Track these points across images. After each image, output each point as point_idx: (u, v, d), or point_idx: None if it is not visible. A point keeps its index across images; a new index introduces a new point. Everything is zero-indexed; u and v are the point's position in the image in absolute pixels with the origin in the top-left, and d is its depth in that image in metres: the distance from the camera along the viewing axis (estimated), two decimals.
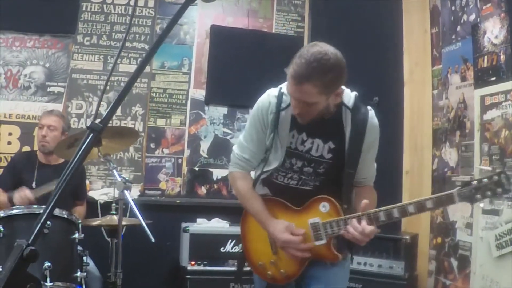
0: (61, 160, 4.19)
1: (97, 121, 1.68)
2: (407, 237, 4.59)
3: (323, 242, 2.57)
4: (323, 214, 2.58)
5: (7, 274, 1.67)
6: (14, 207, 3.50)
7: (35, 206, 3.44)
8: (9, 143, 4.94)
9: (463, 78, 4.53)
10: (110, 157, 3.59)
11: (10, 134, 4.94)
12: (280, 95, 2.57)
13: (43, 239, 3.15)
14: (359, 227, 2.41)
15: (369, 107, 2.62)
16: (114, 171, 3.44)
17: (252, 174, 2.85)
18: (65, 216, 3.39)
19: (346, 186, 2.60)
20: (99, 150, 3.55)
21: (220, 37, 5.15)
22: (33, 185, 4.05)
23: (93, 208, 4.52)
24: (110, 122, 4.48)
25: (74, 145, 3.61)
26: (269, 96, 2.61)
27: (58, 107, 4.90)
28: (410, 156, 5.28)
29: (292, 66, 2.32)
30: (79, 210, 4.22)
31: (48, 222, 3.17)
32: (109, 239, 3.86)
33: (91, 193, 4.70)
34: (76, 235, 3.40)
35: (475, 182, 2.32)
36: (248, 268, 2.93)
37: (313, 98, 2.35)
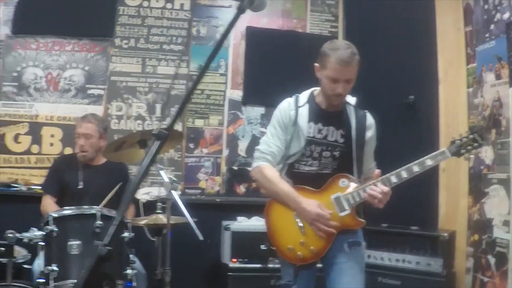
0: (104, 160, 4.28)
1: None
2: (445, 234, 4.61)
3: (347, 212, 2.96)
4: (343, 189, 2.99)
5: (86, 272, 1.76)
6: (65, 207, 3.57)
7: (86, 207, 3.50)
8: (51, 144, 5.07)
9: (498, 76, 4.54)
10: (157, 158, 3.65)
11: (52, 136, 5.07)
12: (296, 97, 3.17)
13: (96, 238, 3.22)
14: (378, 189, 2.85)
15: (365, 110, 3.20)
16: (161, 172, 3.51)
17: None
18: (115, 215, 3.44)
19: (357, 165, 3.09)
20: (146, 152, 3.61)
21: (256, 38, 5.22)
22: (80, 185, 4.14)
23: (135, 207, 4.60)
24: (156, 124, 4.60)
25: (121, 147, 3.69)
26: (287, 100, 3.19)
27: (98, 109, 5.01)
28: None
29: (335, 58, 2.89)
30: (129, 210, 4.29)
31: (100, 222, 3.27)
32: (154, 238, 3.91)
33: None
34: (126, 234, 3.47)
35: (458, 141, 2.91)
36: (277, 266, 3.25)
37: (355, 73, 2.96)
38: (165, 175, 3.51)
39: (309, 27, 5.42)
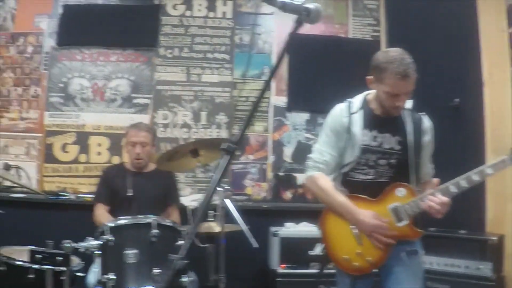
0: (152, 167, 4.32)
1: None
2: (494, 238, 4.56)
3: (405, 222, 2.87)
4: (400, 198, 2.89)
5: (165, 284, 1.80)
6: (121, 217, 3.60)
7: (141, 216, 3.52)
8: (99, 153, 5.16)
9: None
10: (209, 167, 3.70)
11: (99, 145, 5.17)
12: (349, 103, 3.03)
13: (152, 247, 3.27)
14: (437, 199, 2.76)
15: (422, 113, 3.08)
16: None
17: None
18: (170, 224, 3.49)
19: (415, 172, 2.97)
20: (198, 160, 3.66)
21: (298, 44, 5.23)
22: (130, 192, 4.18)
23: (182, 214, 4.63)
24: (202, 132, 4.64)
25: (174, 157, 3.73)
26: (339, 106, 3.06)
27: (145, 118, 5.09)
28: (493, 157, 5.24)
29: (390, 71, 2.76)
30: (174, 216, 4.31)
31: (156, 231, 3.30)
32: (204, 245, 3.93)
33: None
34: (181, 242, 3.49)
35: None
36: (332, 271, 3.13)
37: (413, 86, 2.83)
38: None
39: (351, 32, 5.42)
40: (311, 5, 1.88)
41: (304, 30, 5.37)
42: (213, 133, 5.16)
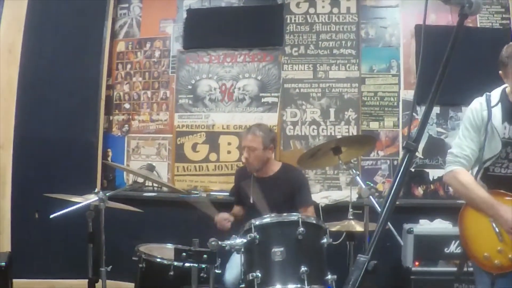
0: (277, 168, 4.28)
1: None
2: None
3: None
4: None
5: (353, 286, 1.79)
6: (265, 215, 3.64)
7: (286, 214, 3.51)
8: (229, 152, 5.30)
9: None
10: (352, 164, 3.67)
11: (229, 144, 5.30)
12: (488, 97, 2.98)
13: (298, 244, 3.27)
14: None
15: None
16: (357, 177, 3.52)
17: None
18: (314, 222, 3.48)
19: None
20: (340, 158, 3.65)
21: (426, 36, 5.13)
22: (251, 200, 4.17)
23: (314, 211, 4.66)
24: (331, 129, 4.63)
25: (315, 155, 3.75)
26: (478, 100, 3.01)
27: (273, 116, 5.19)
28: None
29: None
30: (308, 210, 4.24)
31: (302, 229, 3.31)
32: (337, 242, 3.91)
33: None
34: (325, 240, 3.49)
35: None
36: (470, 269, 3.05)
37: None
38: (361, 181, 3.52)
39: (479, 21, 5.24)
40: None
41: (431, 20, 5.27)
42: (342, 129, 5.15)
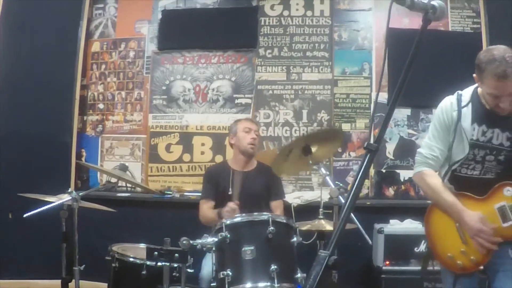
0: (254, 165, 4.38)
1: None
2: None
3: (511, 223, 2.78)
4: (508, 198, 2.81)
5: (315, 281, 1.83)
6: (237, 215, 3.67)
7: (256, 213, 3.53)
8: (202, 153, 5.33)
9: None
10: (322, 165, 3.70)
11: (202, 144, 5.32)
12: (459, 96, 2.96)
13: (268, 243, 3.30)
14: None
15: None
16: (327, 178, 3.56)
17: None
18: (285, 221, 3.52)
19: None
20: (310, 158, 3.68)
21: (398, 39, 5.19)
22: (230, 191, 4.22)
23: (286, 211, 4.68)
24: (303, 130, 4.70)
25: (288, 159, 3.77)
26: (449, 98, 3.00)
27: (247, 117, 5.17)
28: None
29: (488, 71, 2.66)
30: (278, 211, 4.33)
31: (272, 228, 3.35)
32: (308, 242, 3.94)
33: None
34: (295, 239, 3.52)
35: None
36: (437, 268, 3.12)
37: None
38: (330, 182, 3.56)
39: (450, 25, 5.33)
40: (436, 3, 1.91)
41: (403, 24, 5.32)
42: (313, 131, 5.19)
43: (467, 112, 2.92)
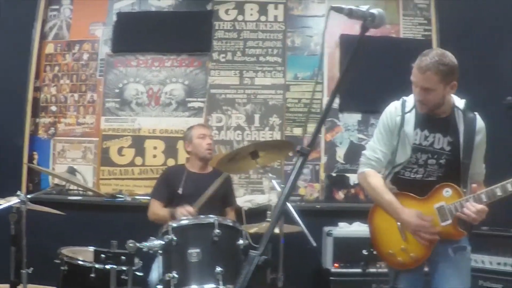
0: (210, 169, 4.41)
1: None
2: None
3: (449, 222, 2.92)
4: (446, 198, 2.95)
5: (246, 280, 1.85)
6: (183, 218, 3.67)
7: (203, 216, 3.57)
8: (154, 156, 5.31)
9: None
10: (268, 168, 3.74)
11: (155, 148, 5.30)
12: (404, 102, 3.11)
13: (214, 246, 3.33)
14: (473, 208, 2.79)
15: (475, 113, 3.06)
16: (273, 181, 3.59)
17: None
18: (231, 224, 3.54)
19: (463, 174, 2.98)
20: (257, 162, 3.71)
21: (350, 45, 5.26)
22: (180, 190, 4.27)
23: (237, 215, 4.70)
24: (255, 134, 4.73)
25: (234, 158, 3.80)
26: (394, 104, 3.15)
27: (199, 121, 5.21)
28: None
29: (417, 62, 2.87)
30: (230, 217, 4.40)
31: (218, 231, 3.36)
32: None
33: None
34: (241, 241, 3.54)
35: None
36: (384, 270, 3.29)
37: (434, 84, 2.84)
38: (277, 185, 3.58)
39: (402, 32, 5.43)
40: (375, 11, 1.97)
41: (355, 30, 5.37)
42: (266, 135, 5.26)
43: (410, 118, 3.05)
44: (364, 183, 3.19)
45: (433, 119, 3.02)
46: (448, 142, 3.01)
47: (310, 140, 1.98)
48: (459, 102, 3.06)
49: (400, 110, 3.09)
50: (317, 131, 2.03)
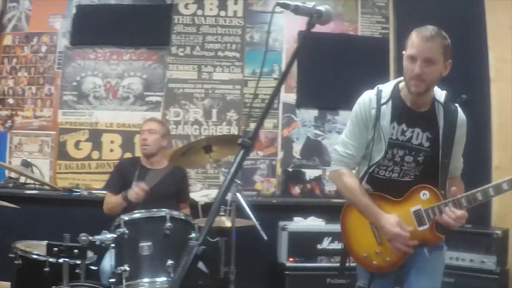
0: (165, 165, 4.38)
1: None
2: (499, 232, 4.59)
3: (426, 227, 2.75)
4: (424, 202, 2.77)
5: (184, 270, 1.87)
6: (135, 211, 3.65)
7: (155, 210, 3.56)
8: (111, 150, 5.28)
9: None
10: (221, 163, 3.76)
11: (112, 142, 5.28)
12: (379, 92, 2.82)
13: (166, 239, 3.33)
14: (453, 215, 2.63)
15: (456, 104, 2.89)
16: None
17: None
18: (183, 217, 3.55)
19: (442, 175, 2.81)
20: (210, 156, 3.73)
21: (308, 42, 5.30)
22: (133, 185, 4.20)
23: (193, 209, 4.71)
24: (213, 129, 4.74)
25: (188, 152, 3.81)
26: (368, 94, 2.84)
27: (157, 115, 5.20)
28: (499, 152, 5.29)
29: (417, 34, 2.66)
30: (185, 212, 4.39)
31: (170, 224, 3.37)
32: (215, 239, 3.98)
33: (191, 195, 4.89)
34: (193, 235, 3.55)
35: None
36: (353, 264, 3.07)
37: (437, 56, 2.66)
38: None
39: (360, 30, 5.49)
40: (322, 8, 1.96)
41: (313, 28, 5.41)
42: (223, 130, 5.28)
43: (387, 110, 2.80)
44: (337, 182, 2.97)
45: (412, 112, 2.79)
46: (427, 138, 2.80)
47: (251, 133, 1.93)
48: (440, 95, 2.85)
49: (375, 102, 2.81)
50: (259, 124, 2.00)
